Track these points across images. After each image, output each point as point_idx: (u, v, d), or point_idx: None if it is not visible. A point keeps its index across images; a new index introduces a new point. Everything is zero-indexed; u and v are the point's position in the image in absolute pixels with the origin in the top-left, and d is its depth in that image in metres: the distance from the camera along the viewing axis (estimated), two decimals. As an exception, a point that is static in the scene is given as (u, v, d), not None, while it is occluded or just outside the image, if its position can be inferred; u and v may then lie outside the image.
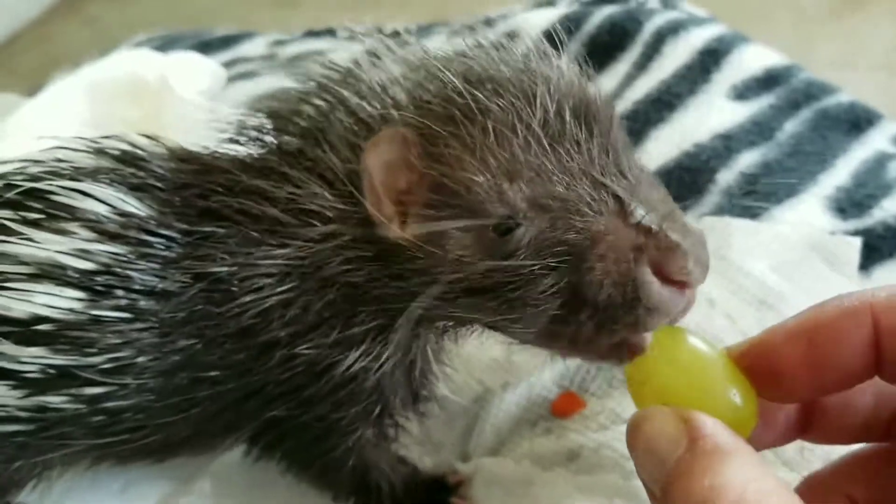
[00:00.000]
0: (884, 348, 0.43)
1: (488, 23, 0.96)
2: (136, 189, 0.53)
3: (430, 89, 0.47)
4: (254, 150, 0.53)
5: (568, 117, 0.45)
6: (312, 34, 1.10)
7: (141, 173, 0.54)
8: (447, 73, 0.46)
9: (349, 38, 1.08)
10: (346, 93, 0.50)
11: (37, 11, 3.13)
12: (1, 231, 0.51)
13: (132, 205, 0.52)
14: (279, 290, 0.50)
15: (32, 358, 0.51)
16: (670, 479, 0.38)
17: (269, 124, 0.54)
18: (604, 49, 0.90)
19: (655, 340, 0.46)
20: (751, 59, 0.88)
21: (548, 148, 0.44)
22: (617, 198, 0.44)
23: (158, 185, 0.54)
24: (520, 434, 0.68)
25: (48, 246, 0.50)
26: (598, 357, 0.49)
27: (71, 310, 0.50)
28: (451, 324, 0.51)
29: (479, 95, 0.45)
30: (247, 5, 3.00)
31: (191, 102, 0.77)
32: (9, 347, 0.50)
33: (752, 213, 0.74)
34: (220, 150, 0.55)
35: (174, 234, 0.52)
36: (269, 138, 0.53)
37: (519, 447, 0.68)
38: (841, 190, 0.76)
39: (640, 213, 0.44)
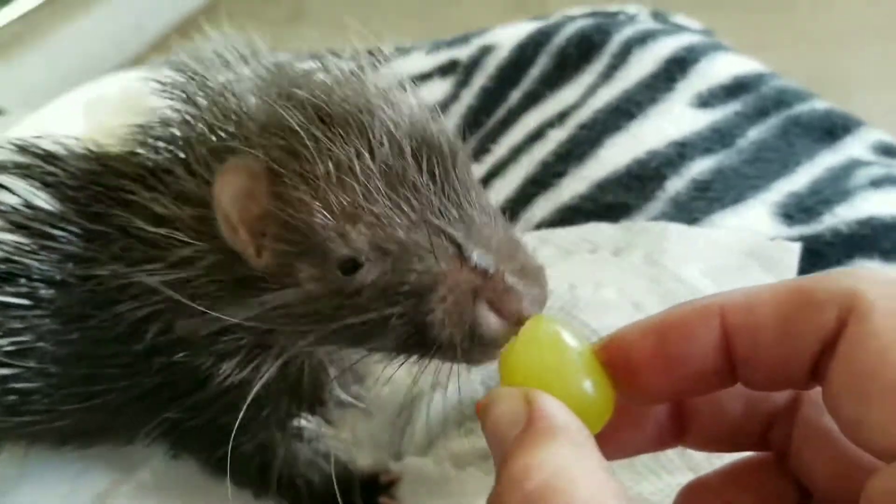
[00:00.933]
0: (733, 348, 0.42)
1: (465, 39, 0.98)
2: (47, 185, 0.56)
3: (278, 119, 0.46)
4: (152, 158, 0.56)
5: (409, 160, 0.45)
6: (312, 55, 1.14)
7: (56, 170, 0.57)
8: (291, 106, 0.46)
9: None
10: (207, 114, 0.50)
11: (139, 47, 3.34)
12: None
13: (42, 199, 0.56)
14: (153, 299, 0.52)
15: None
16: (504, 457, 0.38)
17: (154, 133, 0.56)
18: (572, 61, 0.90)
19: (525, 325, 0.46)
20: (721, 68, 0.86)
21: (387, 192, 0.45)
22: (454, 241, 0.45)
23: (69, 182, 0.57)
24: (446, 434, 0.68)
25: None
26: (466, 362, 0.49)
27: None
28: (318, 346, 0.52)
29: (321, 135, 0.45)
30: (336, 37, 3.11)
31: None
32: None
33: (692, 219, 0.72)
34: (132, 153, 0.58)
35: (75, 230, 0.55)
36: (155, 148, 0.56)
37: (444, 447, 0.68)
38: (793, 196, 0.74)
39: (476, 256, 0.45)
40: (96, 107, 0.86)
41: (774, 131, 0.81)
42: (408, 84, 0.51)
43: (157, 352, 0.54)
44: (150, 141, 0.55)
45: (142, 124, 0.56)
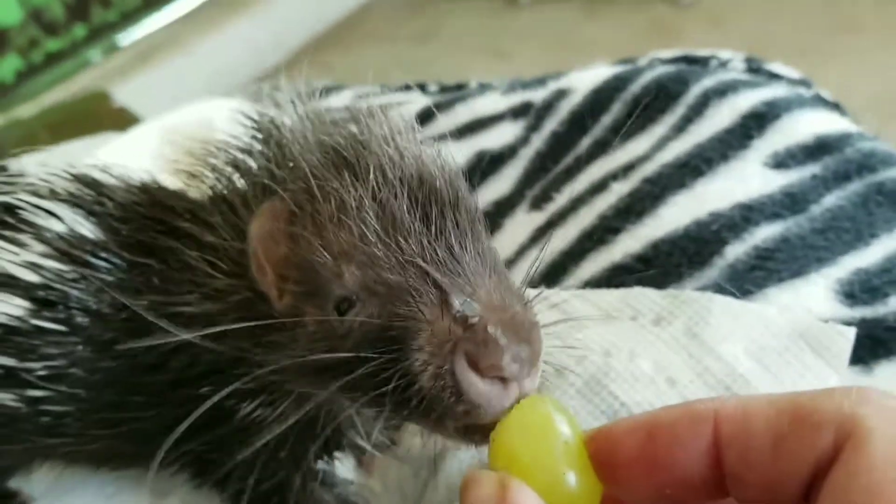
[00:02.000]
0: (723, 460, 0.41)
1: (541, 82, 0.96)
2: (92, 214, 0.60)
3: (302, 164, 0.49)
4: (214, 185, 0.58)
5: (405, 204, 0.46)
6: (400, 88, 1.15)
7: (102, 200, 0.61)
8: (316, 151, 0.49)
9: (429, 93, 1.13)
10: (264, 156, 0.54)
11: (279, 57, 3.49)
12: None
13: (86, 228, 0.59)
14: (184, 333, 0.53)
15: None
16: None
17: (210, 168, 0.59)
18: (646, 110, 0.87)
19: (518, 405, 0.46)
20: (803, 126, 0.81)
21: (381, 233, 0.46)
22: (439, 287, 0.45)
23: (114, 212, 0.60)
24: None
25: (5, 256, 0.58)
26: (457, 439, 0.49)
27: (17, 317, 0.57)
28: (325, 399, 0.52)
29: (329, 178, 0.48)
30: (463, 56, 3.19)
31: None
32: None
33: (744, 292, 0.68)
34: (181, 186, 0.61)
35: (115, 261, 0.59)
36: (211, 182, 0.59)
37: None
38: (860, 273, 0.68)
39: (459, 304, 0.44)
40: (173, 134, 0.90)
41: (854, 198, 0.75)
42: (416, 129, 0.52)
43: (182, 384, 0.56)
44: (217, 169, 0.58)
45: (211, 151, 0.59)
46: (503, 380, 0.44)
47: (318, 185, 0.47)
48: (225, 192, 0.56)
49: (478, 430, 0.47)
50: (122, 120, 1.92)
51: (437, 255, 0.46)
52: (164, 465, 0.65)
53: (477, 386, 0.44)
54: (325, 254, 0.46)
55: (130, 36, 2.98)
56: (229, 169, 0.57)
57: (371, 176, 0.47)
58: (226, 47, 3.20)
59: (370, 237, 0.46)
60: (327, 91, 1.14)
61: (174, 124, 0.93)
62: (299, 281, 0.49)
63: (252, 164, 0.55)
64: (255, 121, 0.57)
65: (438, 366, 0.44)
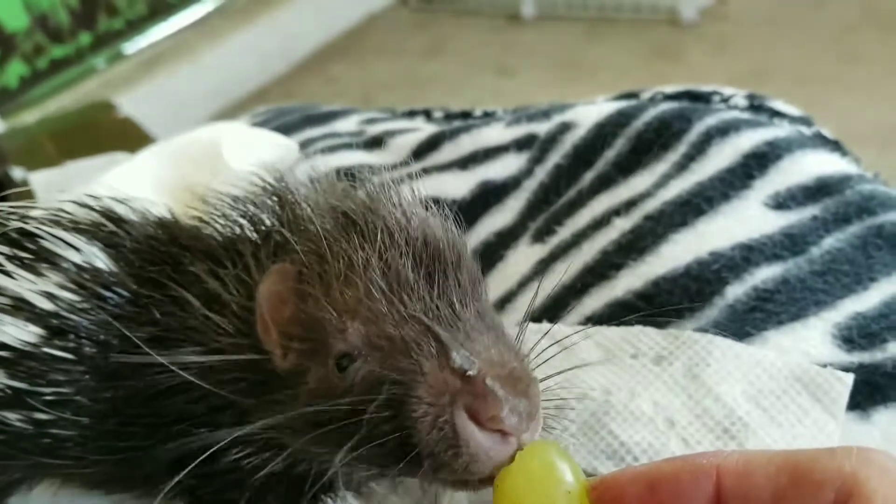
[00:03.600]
0: None
1: (546, 114, 0.97)
2: (110, 246, 0.61)
3: (312, 227, 0.52)
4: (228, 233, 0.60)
5: (410, 262, 0.48)
6: (406, 114, 1.17)
7: (120, 233, 0.62)
8: (320, 215, 0.52)
9: (434, 119, 1.14)
10: (264, 215, 0.56)
11: (285, 68, 3.51)
12: None
13: (102, 260, 0.61)
14: (180, 373, 0.55)
15: None
16: None
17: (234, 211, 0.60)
18: (648, 147, 0.88)
19: (522, 452, 0.47)
20: (805, 166, 0.82)
21: (385, 290, 0.47)
22: (440, 342, 0.46)
23: (129, 245, 0.62)
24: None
25: (23, 283, 0.59)
26: (454, 489, 0.51)
27: (30, 343, 0.58)
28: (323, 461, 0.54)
29: (340, 237, 0.50)
30: (469, 73, 3.21)
31: (236, 171, 0.85)
32: None
33: (743, 333, 0.69)
34: (200, 225, 0.62)
35: (125, 293, 0.60)
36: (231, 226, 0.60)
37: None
38: (858, 317, 0.69)
39: (458, 357, 0.45)
40: (184, 160, 0.91)
41: (853, 241, 0.76)
42: (423, 196, 0.55)
43: (178, 421, 0.57)
44: (230, 218, 0.60)
45: (224, 199, 0.60)
46: (503, 433, 0.45)
47: (327, 245, 0.49)
48: (237, 242, 0.57)
49: (475, 482, 0.48)
50: (127, 130, 1.92)
51: (438, 311, 0.47)
52: (160, 493, 0.66)
53: (476, 438, 0.45)
54: (331, 310, 0.48)
55: (136, 44, 3.00)
56: (242, 221, 0.59)
57: (378, 237, 0.49)
58: (231, 57, 3.21)
59: (375, 294, 0.47)
60: (333, 115, 1.15)
61: (181, 149, 0.94)
62: (303, 339, 0.50)
63: (265, 221, 0.57)
64: (271, 182, 0.59)
65: (438, 416, 0.45)
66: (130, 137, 1.66)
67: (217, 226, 0.61)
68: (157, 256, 0.61)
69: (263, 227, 0.57)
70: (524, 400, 0.46)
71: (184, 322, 0.57)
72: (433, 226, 0.51)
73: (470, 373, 0.45)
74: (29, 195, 1.00)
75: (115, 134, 1.85)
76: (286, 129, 1.09)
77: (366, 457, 0.48)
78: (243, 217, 0.59)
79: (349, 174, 0.58)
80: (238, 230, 0.59)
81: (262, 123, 1.14)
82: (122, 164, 0.96)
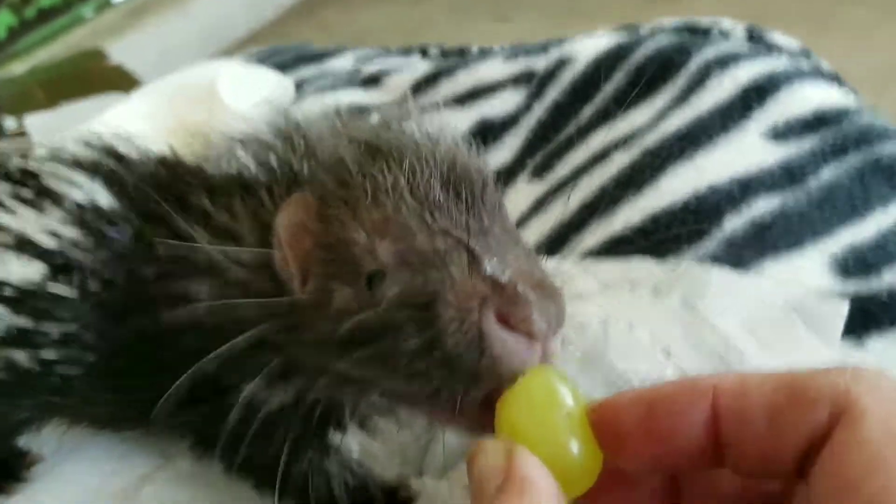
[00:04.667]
0: (720, 432, 0.42)
1: (543, 49, 0.96)
2: (112, 184, 0.61)
3: (335, 156, 0.52)
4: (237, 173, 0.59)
5: (435, 182, 0.49)
6: (401, 52, 1.15)
7: (123, 171, 0.62)
8: (346, 142, 0.52)
9: (430, 57, 1.13)
10: (273, 152, 0.56)
11: (275, 13, 3.45)
12: None
13: (104, 197, 0.60)
14: (191, 306, 0.55)
15: (1, 315, 0.59)
16: None
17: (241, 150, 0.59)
18: (647, 81, 0.87)
19: (523, 376, 0.47)
20: (803, 99, 0.82)
21: (416, 208, 0.48)
22: (471, 252, 0.46)
23: (133, 184, 0.61)
24: (464, 459, 0.69)
25: (26, 221, 0.59)
26: (464, 427, 0.51)
27: (33, 281, 0.59)
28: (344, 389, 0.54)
29: (365, 163, 0.50)
30: (463, 18, 3.16)
31: (233, 111, 0.84)
32: None
33: (742, 263, 0.69)
34: (202, 162, 0.62)
35: (129, 231, 0.60)
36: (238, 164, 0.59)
37: (460, 472, 0.69)
38: (854, 247, 0.70)
39: (490, 267, 0.46)
40: (180, 98, 0.90)
41: (850, 172, 0.76)
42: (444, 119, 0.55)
43: (186, 356, 0.57)
44: (242, 156, 0.59)
45: (238, 137, 0.60)
46: (529, 336, 0.46)
47: (353, 171, 0.50)
48: (247, 179, 0.57)
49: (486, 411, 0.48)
50: (118, 78, 1.90)
51: (468, 225, 0.48)
52: (167, 431, 0.67)
53: (503, 338, 0.45)
54: (360, 230, 0.48)
55: (123, -8, 2.94)
56: (251, 159, 0.58)
57: (406, 160, 0.49)
58: (220, 3, 3.15)
59: (404, 211, 0.48)
60: (327, 54, 1.14)
61: (177, 88, 0.93)
62: (327, 262, 0.50)
63: (276, 158, 0.56)
64: (279, 120, 0.58)
65: (467, 321, 0.45)
66: (121, 85, 1.64)
67: (223, 164, 0.60)
68: (161, 193, 0.60)
69: (275, 164, 0.56)
70: (552, 304, 0.46)
71: (192, 258, 0.57)
72: (461, 151, 0.52)
73: (501, 279, 0.45)
74: (24, 139, 1.00)
75: (106, 82, 1.83)
76: (280, 69, 1.08)
77: (393, 370, 0.49)
78: (253, 156, 0.58)
79: (348, 113, 0.58)
80: (247, 169, 0.58)
81: (256, 63, 1.13)
82: (117, 105, 0.95)
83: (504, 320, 0.45)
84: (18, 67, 2.44)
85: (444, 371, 0.47)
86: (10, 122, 1.40)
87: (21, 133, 1.03)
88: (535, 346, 0.46)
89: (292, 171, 0.54)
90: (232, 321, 0.54)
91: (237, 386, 0.56)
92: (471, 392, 0.48)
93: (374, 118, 0.56)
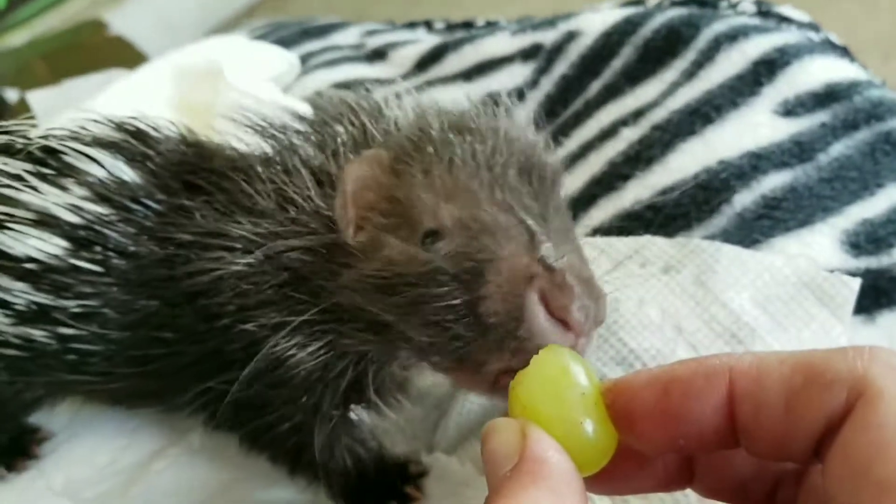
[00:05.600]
0: (736, 414, 0.42)
1: (551, 23, 0.95)
2: (134, 160, 0.62)
3: (417, 126, 0.54)
4: (266, 146, 0.60)
5: (512, 167, 0.50)
6: (406, 26, 1.14)
7: (144, 148, 0.63)
8: (432, 117, 0.54)
9: (436, 30, 1.12)
10: (363, 116, 0.57)
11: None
12: (18, 179, 0.61)
13: (126, 173, 0.61)
14: (237, 261, 0.56)
15: (20, 292, 0.60)
16: (492, 490, 0.40)
17: (298, 126, 0.60)
18: (656, 55, 0.86)
19: (537, 356, 0.47)
20: (813, 73, 0.81)
21: (486, 183, 0.49)
22: (530, 232, 0.48)
23: (156, 160, 0.62)
24: (476, 435, 0.70)
25: (48, 197, 0.60)
26: (477, 390, 0.53)
27: (55, 255, 0.59)
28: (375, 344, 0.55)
29: (445, 136, 0.52)
30: None
31: (238, 89, 0.84)
32: (4, 280, 0.60)
33: (751, 241, 0.69)
34: (228, 142, 0.62)
35: (154, 205, 0.61)
36: (285, 136, 0.59)
37: (471, 448, 0.69)
38: (866, 223, 0.69)
39: (544, 248, 0.47)
40: (183, 77, 0.89)
41: (861, 147, 0.76)
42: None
43: (217, 316, 0.58)
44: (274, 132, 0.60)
45: (266, 119, 0.60)
46: (565, 324, 0.47)
47: (434, 138, 0.51)
48: (293, 142, 0.58)
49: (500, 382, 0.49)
50: (119, 49, 1.89)
51: (532, 209, 0.49)
52: (183, 405, 0.67)
53: (540, 318, 0.46)
54: (429, 190, 0.49)
55: (123, -40, 2.91)
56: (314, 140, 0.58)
57: (489, 141, 0.51)
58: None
59: (475, 182, 0.49)
60: (332, 28, 1.13)
61: (180, 65, 0.93)
62: (388, 214, 0.51)
63: (344, 127, 0.57)
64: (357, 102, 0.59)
65: (511, 291, 0.47)
66: (123, 56, 1.63)
67: (242, 143, 0.61)
68: (191, 166, 0.61)
69: (343, 132, 0.57)
70: (594, 304, 0.48)
71: (232, 209, 0.57)
72: (540, 147, 0.53)
73: (554, 264, 0.46)
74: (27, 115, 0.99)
75: (107, 53, 1.82)
76: (284, 44, 1.07)
77: (426, 328, 0.50)
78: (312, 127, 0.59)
79: (352, 87, 0.58)
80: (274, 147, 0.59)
81: (259, 38, 1.12)
82: (120, 82, 0.95)
83: (546, 302, 0.46)
84: (17, 38, 2.41)
85: (477, 334, 0.48)
86: (11, 94, 1.39)
87: (25, 109, 1.03)
88: (569, 336, 0.47)
89: (365, 136, 0.55)
90: (273, 267, 0.55)
91: (270, 343, 0.56)
92: (496, 361, 0.49)
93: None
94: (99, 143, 0.62)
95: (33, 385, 0.69)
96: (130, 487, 0.71)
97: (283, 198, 0.55)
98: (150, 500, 0.71)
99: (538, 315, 0.46)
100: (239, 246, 0.56)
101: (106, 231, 0.60)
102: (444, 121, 0.53)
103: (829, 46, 0.90)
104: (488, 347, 0.48)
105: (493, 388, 0.51)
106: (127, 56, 1.64)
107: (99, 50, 1.90)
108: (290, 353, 0.57)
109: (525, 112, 0.57)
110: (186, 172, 0.61)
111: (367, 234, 0.52)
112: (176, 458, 0.72)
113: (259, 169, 0.57)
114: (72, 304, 0.60)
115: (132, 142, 0.63)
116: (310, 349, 0.56)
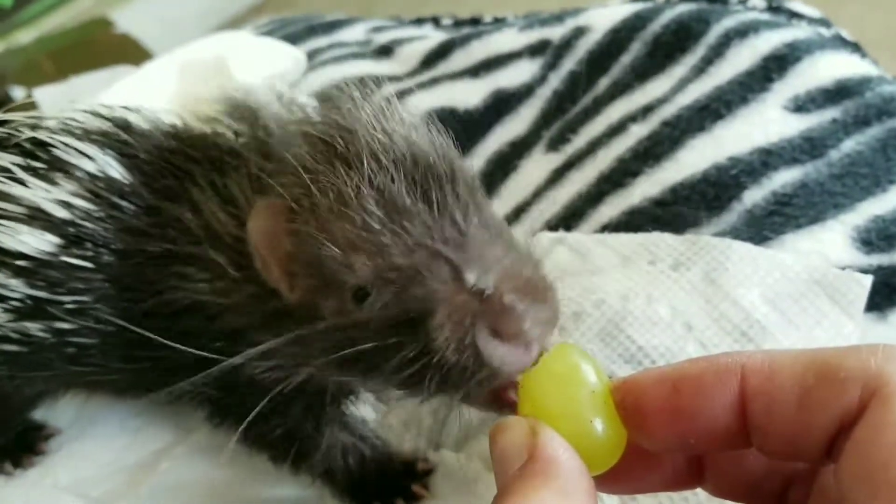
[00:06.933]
0: (748, 413, 0.41)
1: (559, 19, 0.95)
2: (124, 156, 0.61)
3: (297, 157, 0.49)
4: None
5: (403, 186, 0.46)
6: (414, 22, 1.14)
7: (134, 143, 0.61)
8: (304, 143, 0.49)
9: (443, 27, 1.11)
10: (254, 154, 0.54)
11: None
12: (7, 173, 0.60)
13: (116, 169, 0.60)
14: (199, 287, 0.55)
15: (16, 287, 0.60)
16: (501, 489, 0.40)
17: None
18: (665, 51, 0.86)
19: (547, 354, 0.46)
20: (824, 68, 0.80)
21: (384, 220, 0.45)
22: (452, 265, 0.45)
23: (143, 156, 0.61)
24: (483, 432, 0.70)
25: (38, 192, 0.59)
26: (478, 407, 0.51)
27: (47, 252, 0.59)
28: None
29: (325, 168, 0.47)
30: None
31: (241, 84, 0.83)
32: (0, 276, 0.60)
33: (761, 238, 0.69)
34: (213, 134, 0.61)
35: (140, 203, 0.60)
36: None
37: (478, 444, 0.69)
38: (877, 220, 0.69)
39: (473, 278, 0.44)
40: (189, 71, 0.89)
41: (872, 143, 0.75)
42: (398, 105, 0.51)
43: (196, 334, 0.57)
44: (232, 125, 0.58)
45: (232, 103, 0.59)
46: (525, 345, 0.45)
47: (311, 178, 0.47)
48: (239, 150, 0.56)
49: (502, 401, 0.48)
50: (126, 47, 1.89)
51: (443, 232, 0.46)
52: (184, 401, 0.66)
53: (500, 352, 0.44)
54: (332, 247, 0.46)
55: (129, -41, 2.91)
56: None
57: (364, 163, 0.46)
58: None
59: (374, 225, 0.45)
60: (339, 24, 1.13)
61: (187, 61, 0.92)
62: (309, 275, 0.48)
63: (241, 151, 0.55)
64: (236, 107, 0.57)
65: (460, 340, 0.44)
66: (129, 54, 1.63)
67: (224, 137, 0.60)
68: (170, 167, 0.60)
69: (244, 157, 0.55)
70: (544, 307, 0.45)
71: (194, 241, 0.56)
72: (418, 141, 0.48)
73: (487, 292, 0.44)
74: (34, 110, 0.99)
75: (113, 51, 1.82)
76: (291, 40, 1.07)
77: (391, 381, 0.48)
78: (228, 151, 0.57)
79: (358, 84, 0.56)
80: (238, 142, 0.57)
81: (266, 34, 1.12)
82: (127, 78, 0.94)
83: (498, 334, 0.44)
84: (24, 36, 2.42)
85: (440, 380, 0.46)
86: (18, 92, 1.39)
87: (30, 103, 1.02)
88: (532, 348, 0.45)
89: (260, 169, 0.52)
90: (230, 314, 0.54)
91: (249, 364, 0.56)
92: (477, 391, 0.47)
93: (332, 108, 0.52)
94: (89, 136, 0.61)
95: (34, 380, 0.68)
96: (137, 485, 0.71)
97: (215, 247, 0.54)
98: (157, 498, 0.71)
99: (496, 349, 0.44)
100: (206, 275, 0.55)
101: (95, 227, 0.59)
102: (314, 144, 0.49)
103: (840, 42, 0.89)
104: (459, 388, 0.46)
105: (498, 405, 0.49)
106: (133, 54, 1.64)
107: (105, 48, 1.90)
108: (268, 376, 0.55)
109: (385, 98, 0.51)
110: (163, 173, 0.59)
111: (301, 293, 0.50)
112: (181, 457, 0.72)
113: (217, 181, 0.55)
114: (66, 300, 0.59)
115: (121, 134, 0.62)
116: (285, 372, 0.55)
